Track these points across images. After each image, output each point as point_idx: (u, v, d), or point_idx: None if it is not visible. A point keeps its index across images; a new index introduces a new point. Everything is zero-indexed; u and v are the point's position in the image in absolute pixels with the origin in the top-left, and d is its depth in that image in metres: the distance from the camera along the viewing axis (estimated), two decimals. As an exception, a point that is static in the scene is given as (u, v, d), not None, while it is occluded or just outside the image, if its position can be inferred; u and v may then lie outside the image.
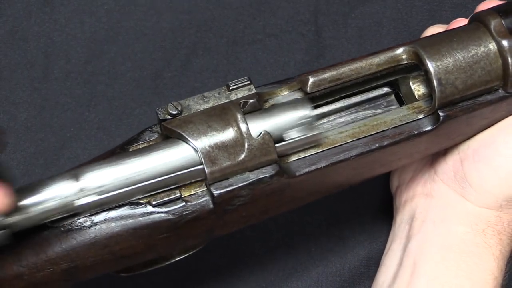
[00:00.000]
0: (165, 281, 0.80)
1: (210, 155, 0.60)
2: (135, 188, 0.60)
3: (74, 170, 0.60)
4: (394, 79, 0.68)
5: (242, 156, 0.61)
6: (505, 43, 0.64)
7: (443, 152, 0.73)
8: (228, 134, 0.61)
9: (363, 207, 0.83)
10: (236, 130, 0.61)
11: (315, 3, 0.86)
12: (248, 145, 0.61)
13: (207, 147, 0.60)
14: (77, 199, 0.59)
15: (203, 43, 0.85)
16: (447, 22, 0.81)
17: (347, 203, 0.82)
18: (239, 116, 0.61)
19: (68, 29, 0.83)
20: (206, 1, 0.85)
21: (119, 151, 0.63)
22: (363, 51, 0.86)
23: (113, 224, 0.61)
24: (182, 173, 0.61)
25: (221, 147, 0.60)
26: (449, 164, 0.72)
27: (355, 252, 0.81)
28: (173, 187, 0.61)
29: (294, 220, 0.82)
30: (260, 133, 0.61)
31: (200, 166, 0.61)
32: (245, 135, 0.61)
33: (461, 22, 0.72)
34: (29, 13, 0.83)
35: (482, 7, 0.72)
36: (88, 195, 0.59)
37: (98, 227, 0.60)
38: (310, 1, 0.86)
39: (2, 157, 0.80)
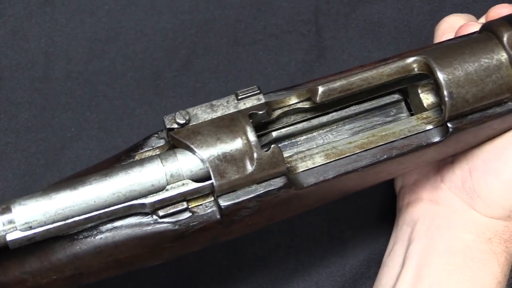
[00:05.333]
0: (166, 281, 0.80)
1: (219, 168, 0.60)
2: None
3: (6, 203, 0.58)
4: (403, 87, 0.68)
5: (251, 169, 0.60)
6: None
7: (451, 160, 0.72)
8: (237, 146, 0.60)
9: (364, 207, 0.83)
10: (245, 143, 0.60)
11: (316, 3, 0.86)
12: (257, 158, 0.60)
13: (215, 160, 0.60)
14: (5, 233, 0.57)
15: (204, 43, 0.85)
16: (448, 22, 0.82)
17: (348, 204, 0.82)
18: (248, 128, 0.60)
19: (68, 29, 0.83)
20: (206, 1, 0.85)
21: (124, 158, 0.62)
22: (364, 51, 0.86)
23: (118, 233, 0.60)
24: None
25: (230, 160, 0.60)
26: (457, 174, 0.72)
27: (356, 253, 0.81)
28: (178, 194, 0.60)
29: (295, 221, 0.82)
30: (269, 143, 0.61)
31: (209, 182, 0.60)
32: (254, 148, 0.60)
33: (471, 27, 0.71)
34: (29, 13, 0.83)
35: (493, 12, 0.72)
36: (16, 230, 0.57)
37: (103, 236, 0.60)
38: (310, 1, 0.86)
39: (3, 157, 0.81)
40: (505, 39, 0.64)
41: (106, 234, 0.60)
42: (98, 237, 0.60)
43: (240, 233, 0.65)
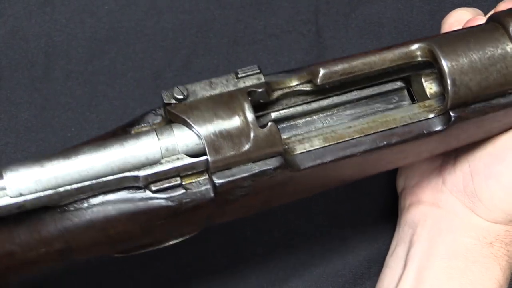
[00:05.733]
0: (165, 281, 0.81)
1: (215, 143, 0.59)
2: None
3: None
4: (407, 75, 0.67)
5: (247, 146, 0.59)
6: None
7: (452, 162, 0.72)
8: (234, 123, 0.59)
9: (365, 207, 0.83)
10: (242, 120, 0.59)
11: (316, 3, 0.86)
12: (254, 136, 0.59)
13: (211, 136, 0.59)
14: None
15: (204, 43, 0.85)
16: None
17: (349, 203, 0.82)
18: (246, 106, 0.60)
19: (68, 29, 0.83)
20: (206, 1, 0.85)
21: (120, 132, 0.62)
22: (364, 51, 0.86)
23: (110, 207, 0.59)
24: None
25: (226, 136, 0.59)
26: (459, 177, 0.71)
27: (356, 253, 0.81)
28: (172, 169, 0.59)
29: (295, 220, 0.82)
30: (267, 124, 0.60)
31: (204, 158, 0.59)
32: (251, 125, 0.59)
33: (479, 20, 0.71)
34: (29, 13, 0.83)
35: (502, 6, 0.71)
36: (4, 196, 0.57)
37: (95, 209, 0.59)
38: (310, 1, 0.86)
39: (3, 157, 0.81)
40: (511, 29, 0.64)
41: (98, 208, 0.59)
42: (89, 210, 0.59)
43: (234, 215, 0.65)
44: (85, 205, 0.59)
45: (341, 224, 0.82)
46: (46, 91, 0.82)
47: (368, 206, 0.83)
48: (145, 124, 0.62)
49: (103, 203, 0.59)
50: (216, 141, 0.59)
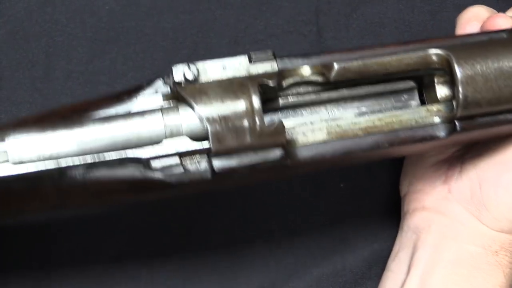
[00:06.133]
0: (165, 281, 0.80)
1: (218, 134, 0.59)
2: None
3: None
4: (420, 74, 0.67)
5: (251, 140, 0.59)
6: None
7: (459, 170, 0.72)
8: (241, 116, 0.59)
9: (366, 207, 0.83)
10: (250, 114, 0.59)
11: (317, 3, 0.86)
12: (259, 131, 0.59)
13: (217, 126, 0.59)
14: None
15: (205, 43, 0.85)
16: (448, 23, 0.82)
17: (350, 204, 0.82)
18: (255, 100, 0.59)
19: (69, 29, 0.83)
20: (207, 1, 0.85)
21: (126, 97, 0.62)
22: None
23: (108, 175, 0.60)
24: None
25: (231, 127, 0.59)
26: (466, 185, 0.71)
27: (357, 253, 0.81)
28: (174, 152, 0.60)
29: (295, 220, 0.82)
30: (275, 122, 0.60)
31: (206, 144, 0.59)
32: (258, 122, 0.59)
33: (500, 20, 0.69)
34: (30, 13, 0.83)
35: None
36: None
37: (91, 174, 0.60)
38: (311, 2, 0.86)
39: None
40: None
41: (96, 174, 0.60)
42: (87, 175, 0.60)
43: (226, 188, 0.66)
44: (84, 170, 0.60)
45: (342, 225, 0.82)
46: (46, 91, 0.82)
47: (368, 207, 0.83)
48: (152, 92, 0.62)
49: (102, 171, 0.60)
50: (221, 132, 0.59)
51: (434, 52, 0.64)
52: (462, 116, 0.64)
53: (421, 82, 0.68)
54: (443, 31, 0.79)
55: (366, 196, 0.83)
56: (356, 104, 0.67)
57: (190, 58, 0.84)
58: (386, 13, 0.87)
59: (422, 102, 0.68)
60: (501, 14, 0.71)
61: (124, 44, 0.84)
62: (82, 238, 0.81)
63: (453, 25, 0.75)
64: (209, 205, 0.82)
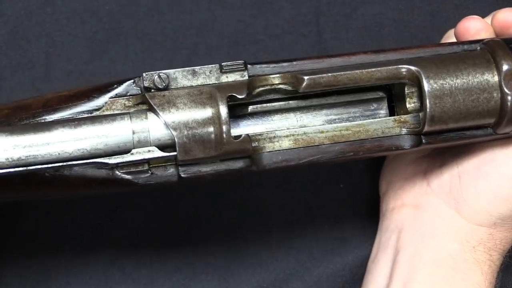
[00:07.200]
0: (165, 281, 0.80)
1: (186, 145, 0.60)
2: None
3: None
4: (390, 83, 0.67)
5: (217, 152, 0.61)
6: (507, 91, 0.63)
7: (439, 165, 0.72)
8: (208, 129, 0.60)
9: (364, 208, 0.83)
10: (217, 128, 0.60)
11: (317, 4, 0.86)
12: (225, 144, 0.61)
13: (184, 138, 0.60)
14: None
15: (204, 44, 0.85)
16: (448, 23, 0.82)
17: (348, 205, 0.82)
18: (223, 113, 0.60)
19: (69, 29, 0.83)
20: (207, 1, 0.85)
21: (96, 94, 0.63)
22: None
23: (76, 175, 0.61)
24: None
25: (199, 140, 0.60)
26: (446, 179, 0.71)
27: (356, 253, 0.81)
28: (141, 159, 0.60)
29: (295, 221, 0.82)
30: (241, 136, 0.61)
31: (173, 153, 0.60)
32: (225, 135, 0.60)
33: (474, 22, 0.69)
34: (30, 13, 0.83)
35: (501, 16, 0.69)
36: None
37: (57, 173, 0.61)
38: (311, 2, 0.86)
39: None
40: (503, 72, 0.63)
41: (65, 173, 0.61)
42: (56, 174, 0.61)
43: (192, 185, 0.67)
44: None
45: (341, 225, 0.82)
46: (46, 91, 0.81)
47: (367, 207, 0.83)
48: (122, 94, 0.62)
49: (70, 171, 0.61)
50: (188, 143, 0.60)
51: (404, 69, 0.64)
52: (428, 131, 0.64)
53: (391, 91, 0.68)
54: (443, 31, 0.79)
55: (366, 196, 0.83)
56: (324, 111, 0.67)
57: (190, 58, 0.84)
58: (386, 13, 0.87)
59: (392, 109, 0.68)
60: (474, 17, 0.70)
61: (124, 44, 0.84)
62: (82, 238, 0.81)
63: (452, 25, 0.75)
64: (209, 205, 0.82)
